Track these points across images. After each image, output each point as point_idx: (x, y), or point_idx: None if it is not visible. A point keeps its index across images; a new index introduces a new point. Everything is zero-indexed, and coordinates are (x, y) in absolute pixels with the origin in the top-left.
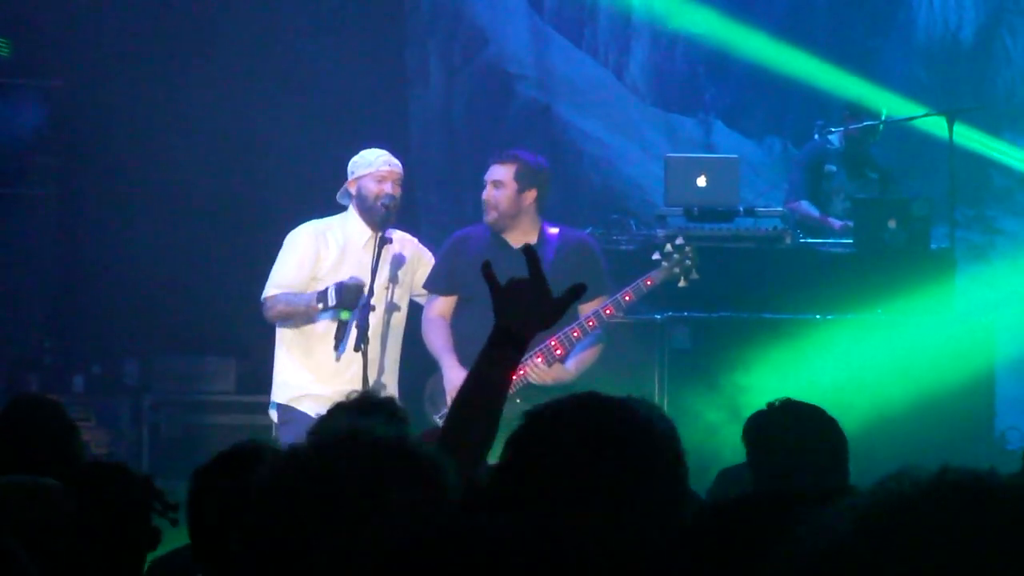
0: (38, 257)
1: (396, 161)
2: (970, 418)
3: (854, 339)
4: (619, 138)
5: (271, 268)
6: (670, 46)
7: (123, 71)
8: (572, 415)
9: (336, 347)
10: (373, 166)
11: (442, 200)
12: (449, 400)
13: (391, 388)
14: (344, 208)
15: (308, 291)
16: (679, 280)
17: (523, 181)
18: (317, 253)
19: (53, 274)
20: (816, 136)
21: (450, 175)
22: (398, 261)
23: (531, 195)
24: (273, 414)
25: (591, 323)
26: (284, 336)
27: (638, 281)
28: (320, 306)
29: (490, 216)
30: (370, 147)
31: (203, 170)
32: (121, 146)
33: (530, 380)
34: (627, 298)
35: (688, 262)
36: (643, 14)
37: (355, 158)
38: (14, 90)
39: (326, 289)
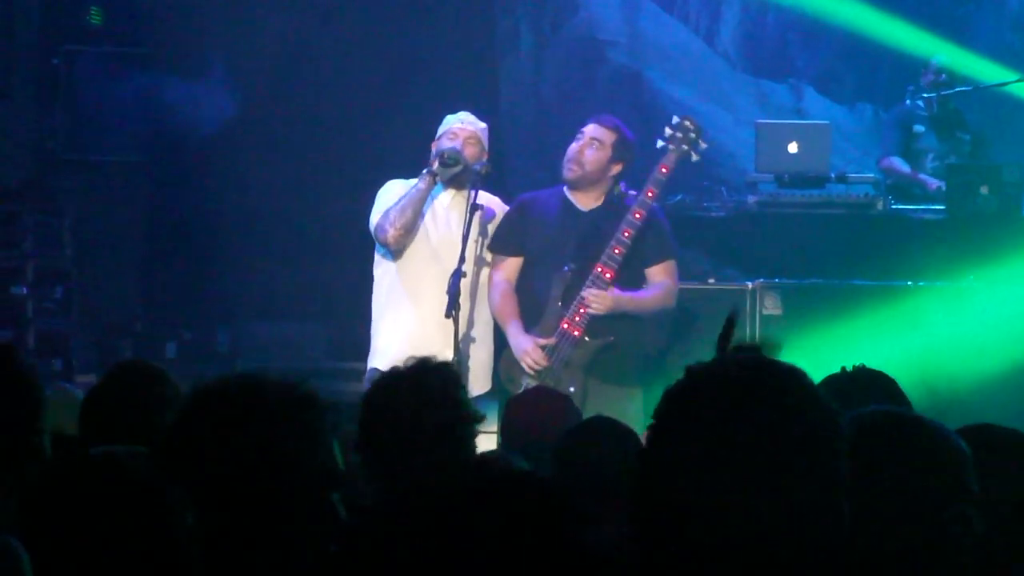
0: (129, 224)
1: (473, 119)
2: None
3: (945, 306)
4: (710, 105)
5: (360, 232)
6: (761, 12)
7: (212, 37)
8: (743, 373)
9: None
10: (448, 124)
11: (532, 166)
12: (526, 368)
13: (481, 353)
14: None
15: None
16: (690, 156)
17: (617, 152)
18: None
19: (145, 241)
20: (907, 101)
21: (540, 141)
22: (487, 226)
23: (617, 168)
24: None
25: (627, 233)
26: (379, 299)
27: (653, 174)
28: (428, 179)
29: (573, 172)
30: (455, 112)
31: (294, 137)
32: (212, 113)
33: (591, 311)
34: (650, 194)
35: (692, 134)
36: None
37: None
38: (107, 58)
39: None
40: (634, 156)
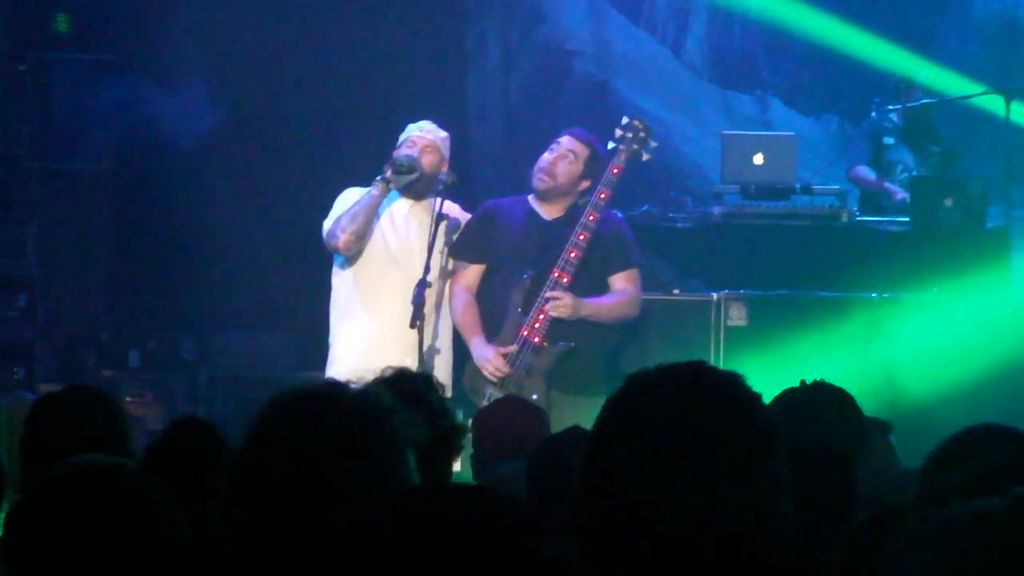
0: (94, 232)
1: (433, 128)
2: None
3: (909, 318)
4: (676, 115)
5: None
6: (728, 23)
7: (178, 46)
8: (683, 379)
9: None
10: (406, 133)
11: (499, 176)
12: (488, 376)
13: (443, 363)
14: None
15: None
16: (641, 155)
17: (589, 167)
18: None
19: (110, 249)
20: (874, 113)
21: (507, 151)
22: (452, 236)
23: (586, 184)
24: None
25: (582, 236)
26: (336, 308)
27: (605, 175)
28: (381, 186)
29: (544, 183)
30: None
31: (261, 145)
32: (178, 121)
33: (552, 314)
34: (603, 196)
35: (642, 134)
36: None
37: None
38: (73, 65)
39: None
40: (602, 174)
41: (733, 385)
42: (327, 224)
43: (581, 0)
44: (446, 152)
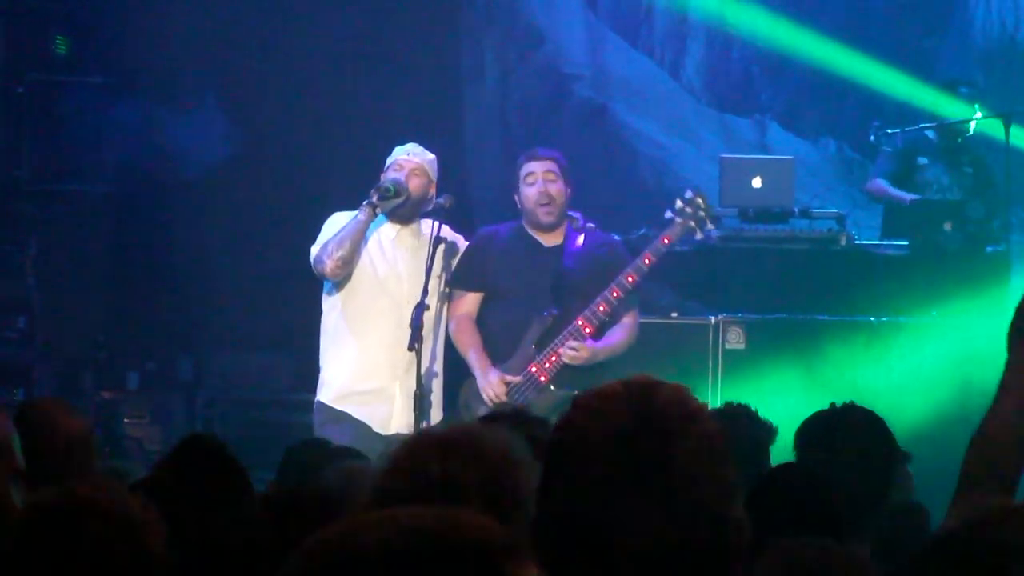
0: (93, 254)
1: (421, 150)
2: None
3: (908, 341)
4: (674, 138)
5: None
6: (726, 46)
7: (178, 68)
8: (626, 401)
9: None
10: (393, 156)
11: (497, 197)
12: (485, 399)
13: (438, 386)
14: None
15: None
16: (695, 233)
17: (566, 176)
18: None
19: (108, 271)
20: (872, 137)
21: (505, 173)
22: (449, 260)
23: (569, 192)
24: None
25: (615, 294)
26: (326, 332)
27: (655, 242)
28: (367, 210)
29: (552, 214)
30: (420, 143)
31: (256, 167)
32: (176, 143)
33: (563, 360)
34: (647, 261)
35: (701, 213)
36: (699, 14)
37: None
38: (72, 88)
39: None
40: (571, 174)
41: (678, 397)
42: (314, 250)
43: (579, 23)
44: (434, 174)
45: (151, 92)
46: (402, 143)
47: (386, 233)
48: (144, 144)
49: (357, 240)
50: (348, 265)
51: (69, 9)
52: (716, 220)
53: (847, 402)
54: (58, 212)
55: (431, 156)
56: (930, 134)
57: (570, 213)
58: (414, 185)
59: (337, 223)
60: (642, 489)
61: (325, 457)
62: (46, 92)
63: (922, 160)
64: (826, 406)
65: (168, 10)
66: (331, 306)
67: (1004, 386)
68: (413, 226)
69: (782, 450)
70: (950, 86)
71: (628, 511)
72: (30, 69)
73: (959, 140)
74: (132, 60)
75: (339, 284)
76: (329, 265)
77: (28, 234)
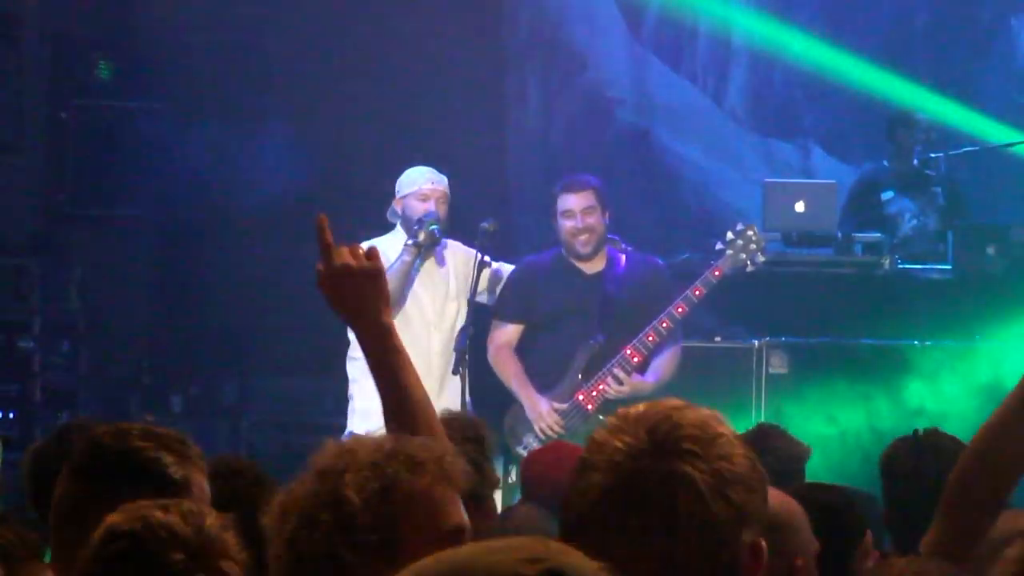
0: (137, 277)
1: (441, 178)
2: None
3: (952, 366)
4: (717, 163)
5: None
6: (769, 71)
7: (219, 92)
8: (645, 417)
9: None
10: (416, 184)
11: (539, 223)
12: (537, 431)
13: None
14: (392, 226)
15: None
16: (746, 265)
17: (602, 202)
18: None
19: (152, 294)
20: (915, 161)
21: (547, 198)
22: (491, 284)
23: (607, 217)
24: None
25: (664, 324)
26: (356, 362)
27: (706, 273)
28: (412, 251)
29: (589, 246)
30: (465, 176)
31: (299, 190)
32: (218, 166)
33: (607, 395)
34: (697, 293)
35: (753, 245)
36: (742, 39)
37: (401, 177)
38: (115, 113)
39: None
40: (608, 198)
41: (699, 422)
42: None
43: (622, 48)
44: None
45: (192, 116)
46: (449, 169)
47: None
48: (187, 168)
49: (403, 283)
50: (396, 307)
51: (112, 34)
52: (766, 254)
53: (930, 428)
54: (102, 236)
55: (446, 179)
56: (885, 163)
57: (609, 236)
58: (442, 213)
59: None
60: (647, 506)
61: None
62: (89, 117)
63: (886, 195)
64: (868, 431)
65: (215, 36)
66: None
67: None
68: (431, 252)
69: (814, 473)
70: (904, 116)
71: (631, 529)
72: (73, 95)
73: (911, 159)
74: (173, 84)
75: None
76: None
77: (73, 258)
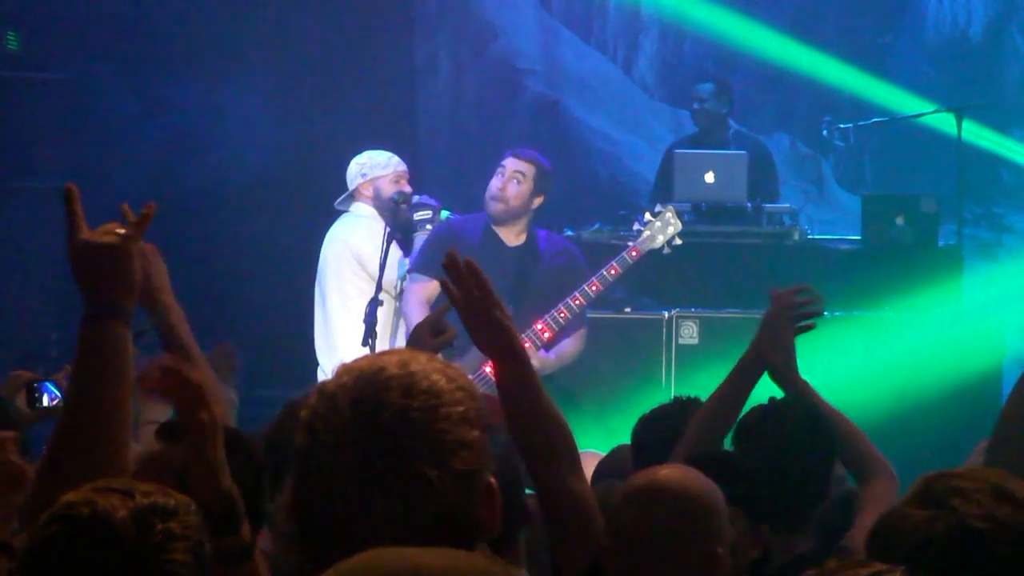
0: (44, 250)
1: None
2: (977, 416)
3: (861, 336)
4: (627, 134)
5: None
6: (678, 41)
7: (130, 66)
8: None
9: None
10: (389, 167)
11: (449, 194)
12: None
13: None
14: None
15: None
16: (663, 247)
17: (538, 184)
18: None
19: (59, 267)
20: (824, 132)
21: (458, 169)
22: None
23: (539, 200)
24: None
25: (577, 301)
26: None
27: (622, 254)
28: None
29: (497, 208)
30: (374, 145)
31: (205, 163)
32: (125, 141)
33: None
34: (612, 272)
35: (671, 228)
36: (652, 9)
37: (362, 159)
38: (21, 84)
39: None
40: (553, 186)
41: (404, 369)
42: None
43: (532, 18)
44: None
45: (103, 89)
46: (356, 139)
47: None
48: (94, 141)
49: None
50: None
51: (20, 4)
52: (683, 237)
53: (779, 398)
54: (9, 208)
55: None
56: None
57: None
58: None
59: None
60: (356, 478)
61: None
62: None
63: None
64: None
65: (118, 8)
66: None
67: None
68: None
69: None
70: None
71: (355, 496)
72: None
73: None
74: (80, 57)
75: None
76: None
77: None
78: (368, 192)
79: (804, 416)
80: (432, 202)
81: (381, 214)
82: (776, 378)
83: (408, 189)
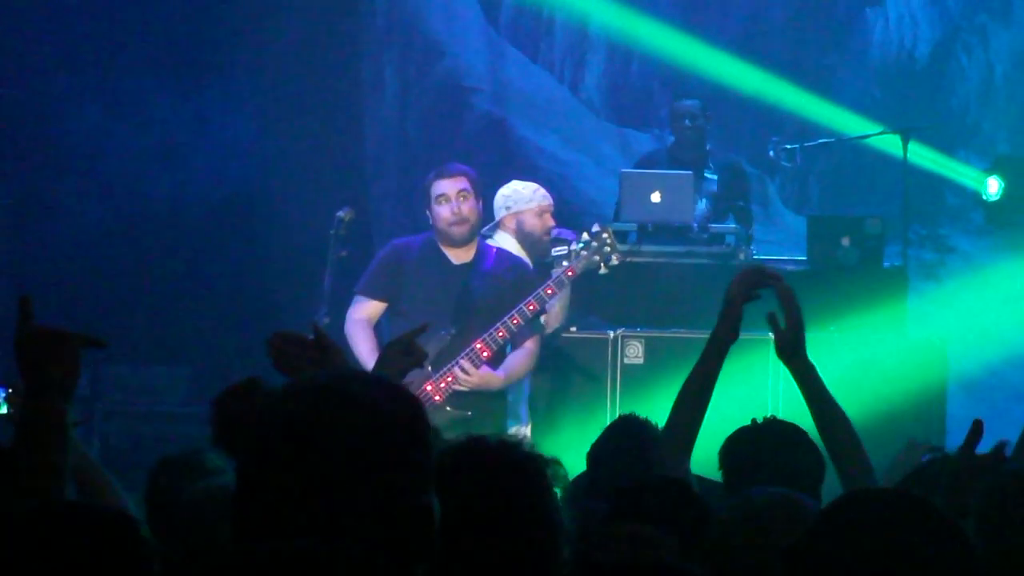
0: None
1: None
2: (921, 434)
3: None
4: (574, 153)
5: (224, 274)
6: (625, 61)
7: (72, 78)
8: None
9: None
10: (533, 201)
11: (395, 211)
12: None
13: None
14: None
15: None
16: (599, 267)
17: (477, 190)
18: None
19: (2, 281)
20: (771, 152)
21: (404, 187)
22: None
23: (480, 205)
24: None
25: (515, 321)
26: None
27: (558, 273)
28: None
29: (462, 231)
30: (320, 162)
31: (154, 176)
32: (69, 154)
33: (456, 386)
34: (549, 292)
35: (607, 248)
36: (599, 29)
37: (507, 191)
38: None
39: None
40: (481, 184)
41: (342, 396)
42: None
43: (479, 37)
44: None
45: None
46: (303, 156)
47: None
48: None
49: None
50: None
51: None
52: (620, 254)
53: (768, 416)
54: None
55: None
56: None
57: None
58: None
59: None
60: (314, 491)
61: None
62: None
63: None
64: (722, 421)
65: (57, 18)
66: None
67: None
68: None
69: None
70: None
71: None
72: None
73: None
74: (22, 69)
75: None
76: None
77: None
78: (511, 225)
79: (792, 433)
80: (569, 236)
81: (523, 246)
82: (782, 355)
83: (552, 223)
